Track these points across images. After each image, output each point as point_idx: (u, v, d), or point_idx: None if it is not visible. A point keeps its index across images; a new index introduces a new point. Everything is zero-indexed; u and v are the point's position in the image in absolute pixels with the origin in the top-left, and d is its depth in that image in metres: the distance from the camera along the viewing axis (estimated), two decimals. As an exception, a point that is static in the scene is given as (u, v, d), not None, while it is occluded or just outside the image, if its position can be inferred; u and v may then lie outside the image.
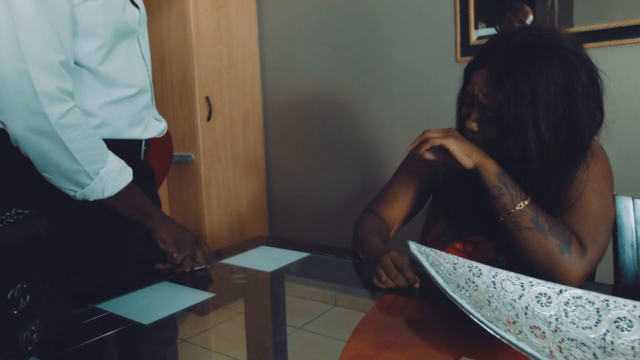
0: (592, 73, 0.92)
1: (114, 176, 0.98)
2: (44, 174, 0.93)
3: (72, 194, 0.96)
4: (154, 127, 1.15)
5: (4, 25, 0.81)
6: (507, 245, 0.97)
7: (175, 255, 1.08)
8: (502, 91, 0.90)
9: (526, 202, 0.91)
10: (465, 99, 1.01)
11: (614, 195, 1.09)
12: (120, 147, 1.05)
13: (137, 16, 1.05)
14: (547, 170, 0.92)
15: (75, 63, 0.96)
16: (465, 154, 0.94)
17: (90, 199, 0.97)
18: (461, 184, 1.06)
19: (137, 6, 1.06)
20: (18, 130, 0.86)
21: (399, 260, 0.92)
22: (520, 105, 0.89)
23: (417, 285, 0.91)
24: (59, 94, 0.87)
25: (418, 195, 1.19)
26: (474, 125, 0.98)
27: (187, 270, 1.10)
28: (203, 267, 1.12)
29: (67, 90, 0.89)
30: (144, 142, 1.13)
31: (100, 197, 0.97)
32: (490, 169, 0.94)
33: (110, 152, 0.99)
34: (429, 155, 0.98)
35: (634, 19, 1.82)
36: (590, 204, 0.93)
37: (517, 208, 0.91)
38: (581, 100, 0.89)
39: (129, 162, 1.05)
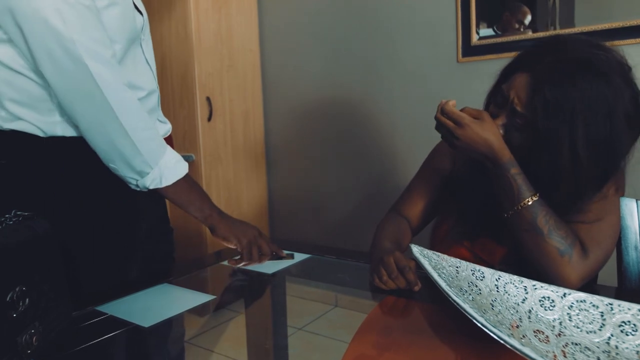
0: (636, 100, 0.88)
1: (171, 166, 1.04)
2: (110, 164, 0.99)
3: (133, 182, 1.02)
4: (159, 128, 1.19)
5: (62, 30, 0.87)
6: (515, 250, 0.97)
7: (239, 248, 1.11)
8: (541, 101, 0.86)
9: (533, 199, 0.89)
10: (497, 99, 0.97)
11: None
12: None
13: (141, 22, 1.08)
14: (578, 190, 0.89)
15: None
16: (487, 135, 0.91)
17: (150, 187, 1.03)
18: (476, 183, 1.04)
19: (140, 13, 1.08)
20: (86, 123, 0.93)
21: (401, 261, 0.91)
22: (558, 120, 0.85)
23: (416, 288, 0.90)
24: (119, 85, 0.93)
25: (440, 192, 1.18)
26: (500, 130, 0.94)
27: (259, 263, 1.12)
28: (281, 257, 1.14)
29: (122, 81, 0.95)
30: None
31: (159, 185, 1.03)
32: (506, 154, 0.91)
33: (167, 145, 1.05)
34: None
35: (636, 19, 1.81)
36: (600, 210, 0.92)
37: (523, 204, 0.89)
38: (622, 127, 0.86)
39: None
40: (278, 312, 0.94)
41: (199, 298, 0.94)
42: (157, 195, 1.26)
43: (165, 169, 1.03)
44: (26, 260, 0.68)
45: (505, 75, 0.96)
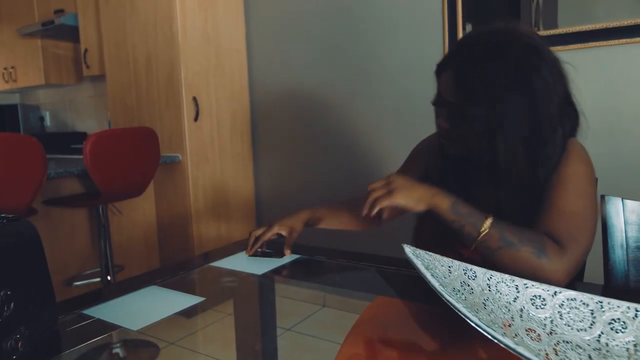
0: (553, 68, 0.95)
1: None
2: None
3: None
4: None
5: None
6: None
7: None
8: (463, 89, 0.96)
9: (488, 223, 0.90)
10: (437, 101, 1.06)
11: (602, 196, 1.09)
12: None
13: None
14: (516, 167, 0.94)
15: None
16: (415, 202, 0.94)
17: None
18: (453, 184, 1.06)
19: None
20: None
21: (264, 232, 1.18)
22: (480, 102, 0.93)
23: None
24: None
25: None
26: (444, 124, 1.03)
27: None
28: None
29: None
30: None
31: None
32: (443, 206, 0.93)
33: None
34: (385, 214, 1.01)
35: (619, 20, 1.84)
36: (572, 203, 0.92)
37: (482, 233, 0.89)
38: (542, 96, 0.92)
39: None
40: (267, 313, 0.94)
41: (187, 300, 0.93)
42: None
43: None
44: (11, 263, 0.66)
45: (437, 79, 1.06)
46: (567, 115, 0.98)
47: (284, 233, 1.18)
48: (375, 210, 0.95)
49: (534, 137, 0.94)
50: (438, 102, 1.05)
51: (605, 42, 1.88)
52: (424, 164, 1.21)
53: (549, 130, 0.94)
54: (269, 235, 1.18)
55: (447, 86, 1.00)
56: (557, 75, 0.95)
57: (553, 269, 0.86)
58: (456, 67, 0.98)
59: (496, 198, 0.97)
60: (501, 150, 0.93)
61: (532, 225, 0.93)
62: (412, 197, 0.94)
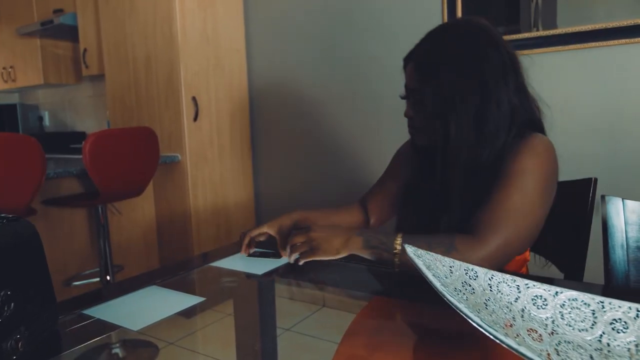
0: (506, 58, 1.00)
1: None
2: None
3: None
4: None
5: None
6: None
7: None
8: (420, 73, 1.04)
9: (399, 242, 0.94)
10: (406, 96, 1.13)
11: (603, 196, 1.09)
12: None
13: None
14: (463, 146, 0.98)
15: None
16: (335, 253, 0.98)
17: None
18: (416, 192, 1.13)
19: None
20: None
21: (252, 232, 1.17)
22: (435, 85, 1.00)
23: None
24: None
25: (401, 189, 1.26)
26: (409, 112, 1.10)
27: None
28: None
29: None
30: None
31: None
32: (358, 246, 0.97)
33: None
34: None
35: (619, 20, 1.84)
36: (507, 198, 0.94)
37: (396, 254, 0.94)
38: (492, 82, 0.98)
39: None
40: (267, 313, 0.94)
41: (187, 300, 0.93)
42: None
43: None
44: (11, 264, 0.66)
45: (404, 72, 1.13)
46: (519, 100, 1.01)
47: (272, 232, 1.17)
48: (301, 263, 1.02)
49: (479, 116, 0.99)
50: (405, 96, 1.13)
51: (604, 43, 1.88)
52: (405, 166, 1.26)
53: (494, 111, 0.98)
54: (256, 232, 1.17)
55: (411, 75, 1.08)
56: (510, 66, 1.01)
57: (465, 258, 0.89)
58: (416, 57, 1.07)
59: (446, 181, 1.02)
60: (452, 132, 0.99)
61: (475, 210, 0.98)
62: (331, 251, 0.98)
